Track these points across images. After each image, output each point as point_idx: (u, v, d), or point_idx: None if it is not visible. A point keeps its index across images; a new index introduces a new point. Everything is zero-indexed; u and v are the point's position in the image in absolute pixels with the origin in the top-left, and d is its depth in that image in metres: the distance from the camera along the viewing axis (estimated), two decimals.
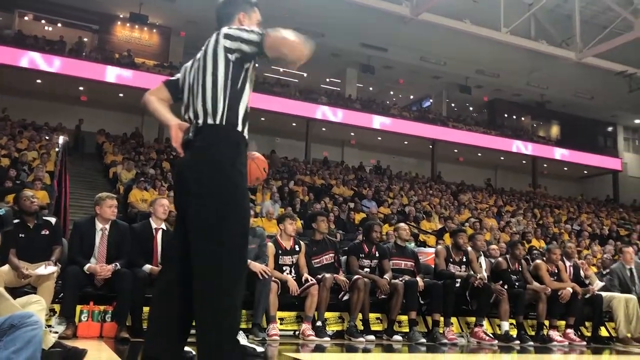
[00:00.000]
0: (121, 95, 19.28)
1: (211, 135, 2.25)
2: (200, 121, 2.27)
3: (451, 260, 6.54)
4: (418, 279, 6.18)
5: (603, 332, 7.26)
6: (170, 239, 2.47)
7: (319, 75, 26.47)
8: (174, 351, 2.31)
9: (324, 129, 23.17)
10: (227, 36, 2.26)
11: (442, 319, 6.04)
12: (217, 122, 2.25)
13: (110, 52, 21.34)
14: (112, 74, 19.00)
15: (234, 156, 2.24)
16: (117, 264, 4.92)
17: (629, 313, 6.87)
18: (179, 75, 2.50)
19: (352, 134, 24.39)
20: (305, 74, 26.51)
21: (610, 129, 30.76)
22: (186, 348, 3.32)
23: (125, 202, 10.82)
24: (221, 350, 2.11)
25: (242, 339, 4.17)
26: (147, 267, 5.00)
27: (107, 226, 5.13)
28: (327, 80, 27.37)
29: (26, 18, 22.26)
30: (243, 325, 5.24)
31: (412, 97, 29.95)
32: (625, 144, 30.74)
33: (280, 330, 5.47)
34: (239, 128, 2.29)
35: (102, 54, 20.98)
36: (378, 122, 23.00)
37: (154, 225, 5.30)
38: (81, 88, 19.95)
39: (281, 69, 25.64)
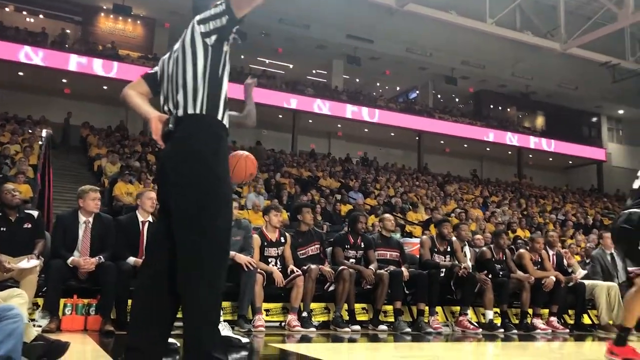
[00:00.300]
0: (105, 87, 19.10)
1: (192, 125, 2.24)
2: (180, 112, 2.26)
3: (436, 250, 6.59)
4: (403, 269, 6.23)
5: (586, 320, 7.37)
6: (154, 230, 2.46)
7: (305, 66, 26.41)
8: (157, 342, 2.31)
9: (310, 120, 23.15)
10: (200, 22, 2.25)
11: (427, 308, 6.10)
12: (198, 111, 2.24)
13: (93, 44, 21.10)
14: (96, 66, 18.79)
15: (215, 145, 2.23)
16: (101, 257, 4.89)
17: (611, 300, 6.97)
18: (157, 68, 2.48)
19: (339, 125, 24.39)
20: (291, 66, 26.44)
21: (594, 119, 31.04)
22: (171, 340, 3.34)
23: (110, 195, 10.74)
24: (203, 339, 2.11)
25: (228, 331, 4.17)
26: (132, 259, 4.97)
27: (91, 219, 5.11)
28: (314, 72, 27.32)
29: (7, 9, 21.88)
30: (228, 317, 5.25)
31: (398, 88, 29.99)
32: (609, 134, 31.05)
33: (266, 321, 5.49)
34: (220, 117, 2.28)
35: (86, 45, 20.74)
36: (365, 113, 23.01)
37: (140, 218, 5.27)
38: (64, 80, 19.72)
39: (267, 61, 25.54)
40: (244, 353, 3.91)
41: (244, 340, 4.11)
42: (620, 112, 29.71)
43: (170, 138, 2.26)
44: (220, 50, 2.27)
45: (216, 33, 2.24)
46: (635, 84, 22.80)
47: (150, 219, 5.29)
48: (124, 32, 23.11)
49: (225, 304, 5.29)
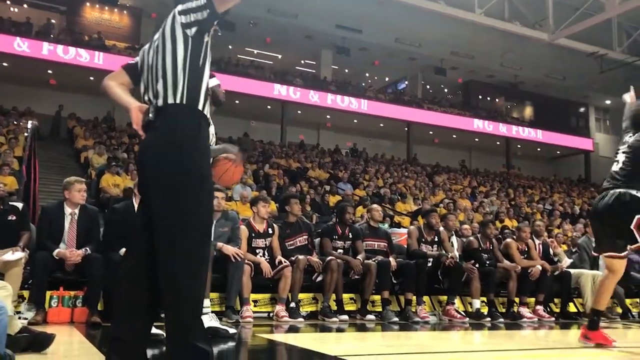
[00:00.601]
0: (92, 78, 18.85)
1: (171, 114, 2.22)
2: (160, 101, 2.25)
3: (423, 240, 6.63)
4: (391, 259, 6.26)
5: (571, 308, 7.46)
6: (136, 221, 2.44)
7: (293, 57, 26.30)
8: (141, 333, 2.30)
9: (299, 111, 23.09)
10: (182, 12, 2.24)
11: (414, 297, 6.14)
12: (178, 101, 2.23)
13: (79, 35, 20.85)
14: (82, 56, 18.59)
15: (195, 135, 2.22)
16: (87, 248, 4.87)
17: (596, 289, 7.03)
18: (138, 58, 2.47)
19: (328, 116, 24.35)
20: (279, 56, 26.31)
21: (582, 109, 31.23)
22: (157, 331, 3.33)
23: (97, 187, 10.67)
24: (186, 330, 2.10)
25: (215, 322, 4.17)
26: (123, 250, 4.93)
27: (77, 211, 5.07)
28: (302, 62, 27.21)
29: None
30: (216, 308, 5.25)
31: (387, 79, 29.97)
32: (596, 125, 31.27)
33: (254, 312, 5.51)
34: (200, 107, 2.27)
35: (71, 36, 20.48)
36: (354, 104, 22.98)
37: (136, 206, 5.19)
38: (50, 71, 19.50)
39: (255, 51, 25.41)
40: (231, 344, 3.91)
41: (232, 331, 4.11)
42: (608, 102, 29.90)
43: (150, 128, 2.24)
44: (200, 41, 2.26)
45: (197, 25, 2.23)
46: (623, 74, 22.87)
47: None
48: (110, 22, 22.88)
49: (213, 295, 5.29)
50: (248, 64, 23.77)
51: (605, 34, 21.64)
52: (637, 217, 3.62)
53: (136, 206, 5.13)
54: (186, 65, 2.24)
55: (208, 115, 2.33)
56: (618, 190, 3.78)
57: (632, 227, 3.61)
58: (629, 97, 4.19)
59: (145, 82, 2.35)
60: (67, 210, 5.04)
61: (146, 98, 2.33)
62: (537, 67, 25.38)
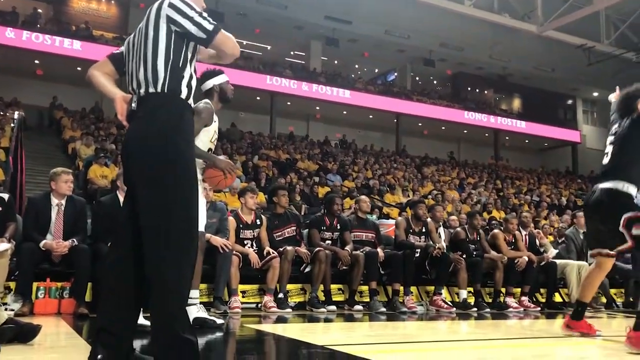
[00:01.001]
0: (79, 68, 18.65)
1: (153, 104, 2.21)
2: (143, 91, 2.24)
3: (411, 231, 6.67)
4: (378, 249, 6.29)
5: (557, 298, 7.55)
6: (121, 212, 2.44)
7: (283, 48, 26.20)
8: (127, 323, 2.31)
9: (288, 103, 23.03)
10: (172, 6, 2.22)
11: (402, 288, 6.18)
12: (159, 90, 2.22)
13: (66, 24, 20.63)
14: (69, 46, 18.39)
15: (177, 124, 2.21)
16: (74, 240, 4.85)
17: (581, 279, 7.11)
18: (123, 48, 2.45)
19: (317, 108, 24.31)
20: (269, 47, 26.20)
21: (570, 101, 31.45)
22: (144, 322, 3.33)
23: (85, 178, 10.60)
24: (172, 321, 2.11)
25: (203, 312, 4.18)
26: None
27: (63, 202, 5.05)
28: (292, 53, 27.13)
29: None
30: (204, 299, 5.26)
31: (377, 70, 29.97)
32: (584, 117, 31.52)
33: (243, 302, 5.52)
34: (183, 95, 2.26)
35: (58, 26, 20.26)
36: (343, 95, 22.96)
37: (121, 199, 5.16)
38: (37, 61, 19.28)
39: (244, 42, 25.27)
40: (219, 334, 3.93)
41: (219, 321, 4.13)
42: (595, 94, 30.12)
43: (133, 118, 2.24)
44: (182, 39, 2.26)
45: (183, 31, 2.23)
46: (610, 66, 23.07)
47: None
48: (98, 12, 22.65)
49: (201, 285, 5.27)
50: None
51: (594, 26, 21.77)
52: (624, 216, 3.49)
53: (121, 199, 5.13)
54: (169, 54, 2.23)
55: (192, 104, 2.32)
56: (606, 185, 3.72)
57: (620, 228, 3.50)
58: (613, 97, 4.17)
59: (129, 72, 2.34)
60: (54, 201, 5.02)
61: (130, 88, 2.32)
62: (525, 59, 25.48)
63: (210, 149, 4.02)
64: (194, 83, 2.30)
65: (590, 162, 27.15)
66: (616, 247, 3.65)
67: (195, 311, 4.02)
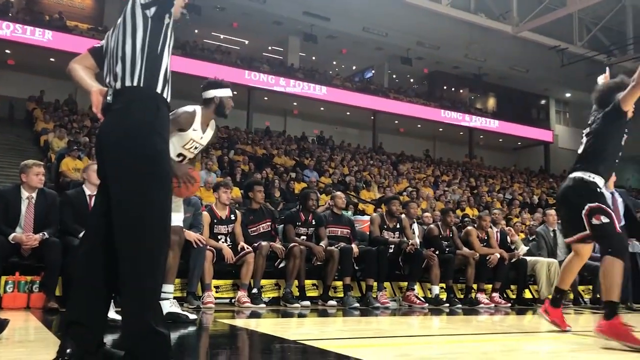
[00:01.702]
0: (53, 60, 18.38)
1: (129, 97, 2.20)
2: (119, 84, 2.23)
3: (385, 227, 6.72)
4: (353, 245, 6.33)
5: (527, 294, 7.68)
6: (93, 205, 2.42)
7: (260, 43, 26.08)
8: (98, 316, 2.29)
9: (265, 98, 22.96)
10: None
11: (375, 283, 6.24)
12: (135, 84, 2.21)
13: (39, 14, 20.21)
14: (41, 37, 18.03)
15: (152, 117, 2.20)
16: (45, 233, 4.78)
17: (551, 276, 7.29)
18: (104, 42, 2.44)
19: (295, 103, 24.29)
20: (246, 42, 26.06)
21: (543, 102, 31.97)
22: (115, 316, 3.31)
23: (57, 171, 10.44)
24: (144, 313, 2.10)
25: (176, 307, 4.16)
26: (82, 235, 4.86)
27: (34, 195, 4.96)
28: (269, 48, 27.03)
29: None
30: (178, 294, 5.23)
31: (354, 67, 30.04)
32: (556, 117, 32.07)
33: (216, 298, 5.50)
34: (159, 89, 2.25)
35: (31, 15, 19.84)
36: (320, 91, 22.98)
37: (87, 192, 5.13)
38: (8, 51, 18.87)
39: (222, 36, 25.10)
40: (192, 328, 3.92)
41: (192, 316, 4.11)
42: (568, 95, 30.69)
43: (108, 111, 2.22)
44: (160, 22, 2.24)
45: (156, 5, 2.21)
46: (582, 68, 23.52)
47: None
48: (72, 2, 22.26)
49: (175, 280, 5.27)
50: (214, 49, 23.46)
51: (567, 28, 22.19)
52: (588, 205, 3.57)
53: (87, 192, 5.07)
54: (145, 48, 2.22)
55: (168, 99, 2.31)
56: (575, 173, 3.76)
57: (582, 214, 3.62)
58: (602, 79, 4.21)
59: (107, 65, 2.33)
60: (24, 194, 4.93)
61: (107, 81, 2.30)
62: (501, 59, 25.83)
63: (182, 155, 3.95)
64: (169, 75, 2.29)
65: (562, 161, 27.67)
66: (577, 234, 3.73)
67: (169, 306, 4.01)
